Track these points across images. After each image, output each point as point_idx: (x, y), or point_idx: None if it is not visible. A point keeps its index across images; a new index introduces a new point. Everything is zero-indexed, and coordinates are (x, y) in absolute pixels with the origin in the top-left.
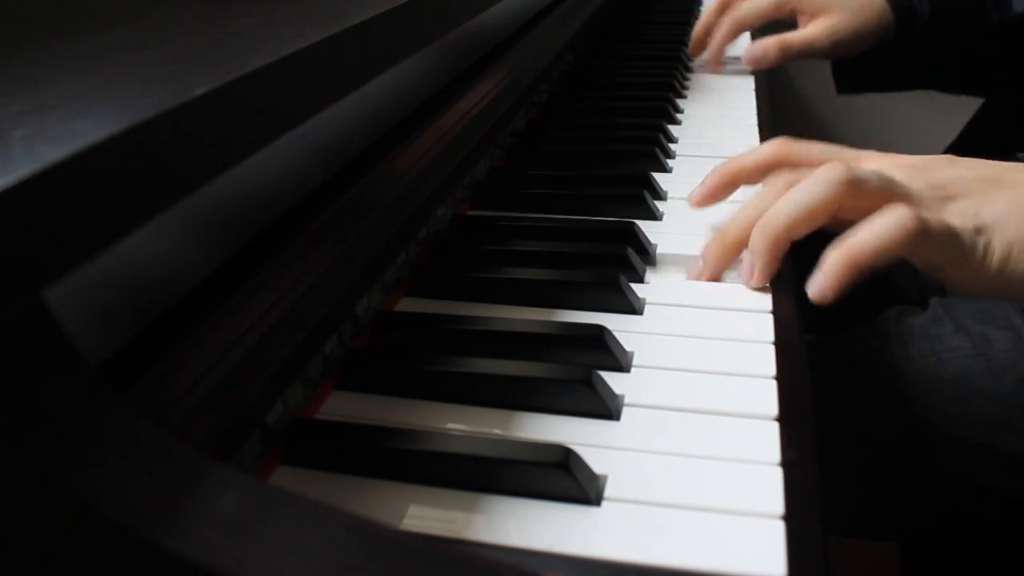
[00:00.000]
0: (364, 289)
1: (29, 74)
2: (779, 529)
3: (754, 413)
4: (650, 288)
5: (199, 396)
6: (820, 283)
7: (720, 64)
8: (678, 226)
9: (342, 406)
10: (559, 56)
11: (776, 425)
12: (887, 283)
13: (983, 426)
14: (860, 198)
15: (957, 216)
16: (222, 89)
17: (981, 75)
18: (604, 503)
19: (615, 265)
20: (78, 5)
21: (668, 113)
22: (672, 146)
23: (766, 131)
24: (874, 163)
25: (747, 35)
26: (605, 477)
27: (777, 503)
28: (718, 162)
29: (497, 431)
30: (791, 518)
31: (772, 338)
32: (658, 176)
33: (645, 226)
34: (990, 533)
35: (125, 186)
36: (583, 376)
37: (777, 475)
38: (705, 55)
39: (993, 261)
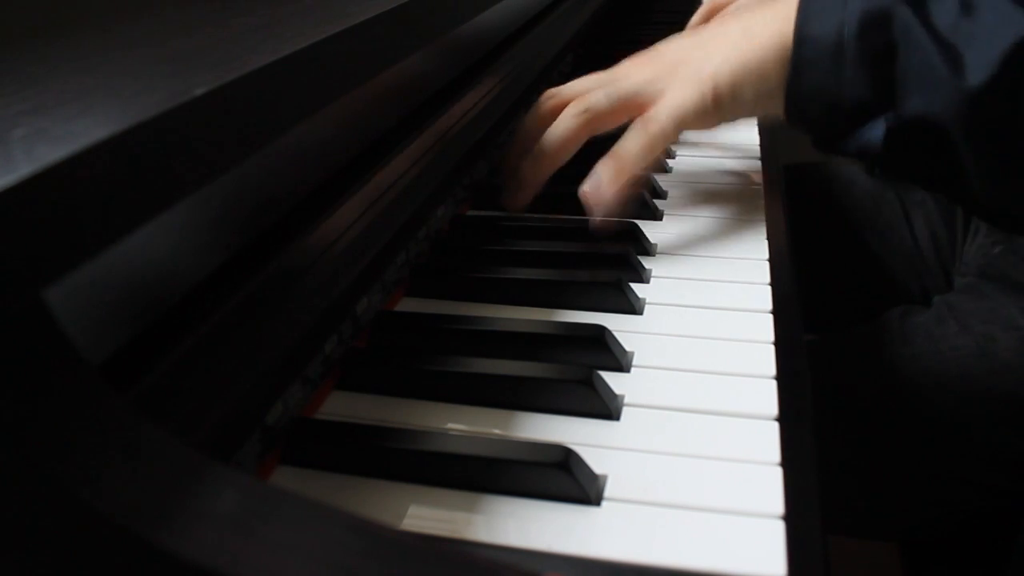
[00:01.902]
0: (364, 289)
1: (29, 74)
2: (779, 529)
3: (754, 413)
4: (650, 288)
5: (199, 396)
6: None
7: None
8: (678, 225)
9: (342, 406)
10: (559, 56)
11: (776, 425)
12: (890, 282)
13: (986, 426)
14: (603, 119)
15: (682, 84)
16: (222, 89)
17: None
18: (604, 503)
19: (615, 265)
20: (78, 5)
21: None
22: (672, 146)
23: (764, 128)
24: (623, 67)
25: None
26: (605, 477)
27: (777, 503)
28: (718, 161)
29: (497, 431)
30: (791, 518)
31: (772, 338)
32: (658, 176)
33: (645, 226)
34: (991, 533)
35: (125, 186)
36: (583, 376)
37: (777, 475)
38: None
39: (724, 101)
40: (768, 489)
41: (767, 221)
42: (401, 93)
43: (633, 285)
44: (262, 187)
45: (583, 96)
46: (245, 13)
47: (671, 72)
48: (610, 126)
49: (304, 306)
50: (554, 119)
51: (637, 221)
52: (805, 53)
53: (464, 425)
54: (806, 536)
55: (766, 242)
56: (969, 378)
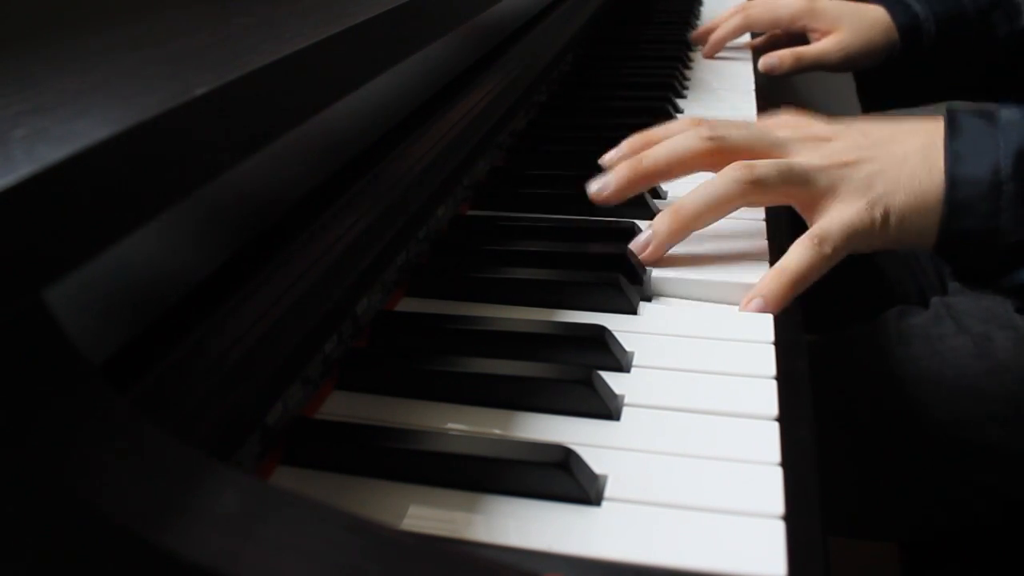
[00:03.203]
0: (364, 289)
1: (29, 74)
2: (779, 529)
3: (754, 413)
4: (650, 288)
5: (199, 396)
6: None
7: (716, 52)
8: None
9: (342, 406)
10: (559, 56)
11: (776, 425)
12: (887, 283)
13: (985, 426)
14: (766, 197)
15: (852, 192)
16: (222, 89)
17: (998, 85)
18: (604, 503)
19: (615, 265)
20: (78, 5)
21: (668, 113)
22: None
23: None
24: (787, 135)
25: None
26: (605, 477)
27: (777, 503)
28: None
29: (497, 431)
30: (791, 518)
31: (772, 338)
32: None
33: (645, 225)
34: (990, 533)
35: (125, 186)
36: (583, 376)
37: (777, 475)
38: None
39: (891, 227)
40: (768, 489)
41: (767, 221)
42: (401, 93)
43: (633, 285)
44: (262, 187)
45: (753, 165)
46: (245, 13)
47: (842, 172)
48: (766, 205)
49: (304, 306)
50: (709, 163)
51: (637, 221)
52: (960, 195)
53: (464, 425)
54: (806, 536)
55: (766, 242)
56: (967, 378)
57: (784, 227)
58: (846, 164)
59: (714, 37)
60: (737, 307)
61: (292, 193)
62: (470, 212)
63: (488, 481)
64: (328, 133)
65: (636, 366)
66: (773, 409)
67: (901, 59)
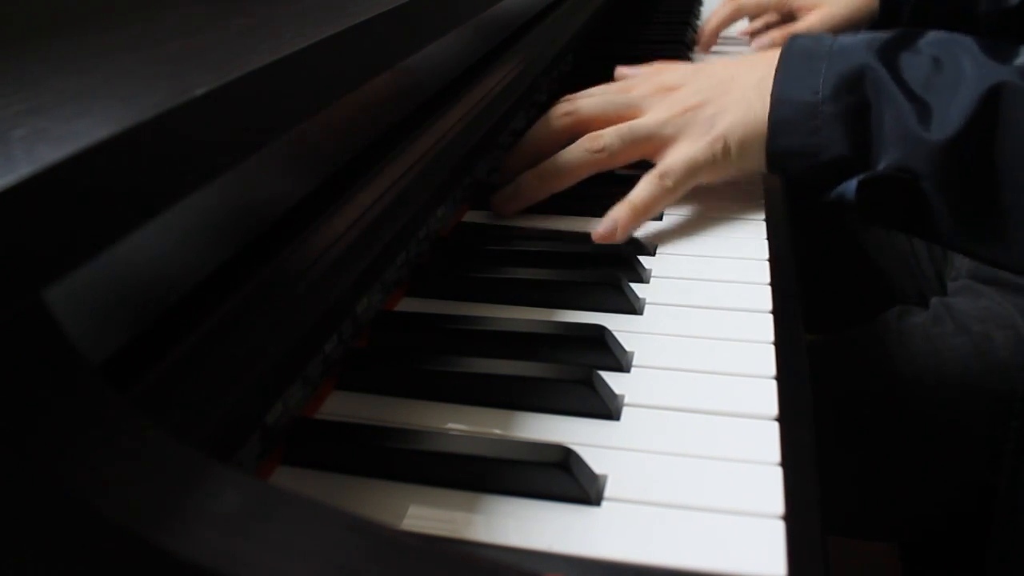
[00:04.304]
0: (364, 289)
1: (29, 74)
2: (779, 529)
3: (754, 413)
4: (650, 288)
5: (199, 396)
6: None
7: (711, 44)
8: (678, 225)
9: (342, 406)
10: (559, 56)
11: (776, 425)
12: (887, 283)
13: (984, 425)
14: (616, 160)
15: (695, 135)
16: (222, 89)
17: None
18: (604, 503)
19: (615, 265)
20: (78, 5)
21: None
22: None
23: None
24: (639, 92)
25: (743, 22)
26: (605, 477)
27: (777, 503)
28: None
29: (497, 431)
30: (791, 518)
31: (772, 338)
32: None
33: (645, 226)
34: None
35: (125, 186)
36: (583, 376)
37: (777, 475)
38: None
39: (731, 157)
40: (768, 489)
41: (767, 221)
42: (401, 93)
43: (633, 285)
44: (262, 187)
45: (599, 135)
46: (245, 14)
47: (686, 117)
48: (620, 165)
49: (304, 306)
50: (566, 137)
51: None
52: (780, 115)
53: (464, 425)
54: (806, 536)
55: (766, 242)
56: (966, 377)
57: (784, 228)
58: (689, 109)
59: (706, 28)
60: (737, 307)
61: (292, 193)
62: (470, 212)
63: (488, 481)
64: (328, 133)
65: (636, 366)
66: (773, 409)
67: (881, 29)
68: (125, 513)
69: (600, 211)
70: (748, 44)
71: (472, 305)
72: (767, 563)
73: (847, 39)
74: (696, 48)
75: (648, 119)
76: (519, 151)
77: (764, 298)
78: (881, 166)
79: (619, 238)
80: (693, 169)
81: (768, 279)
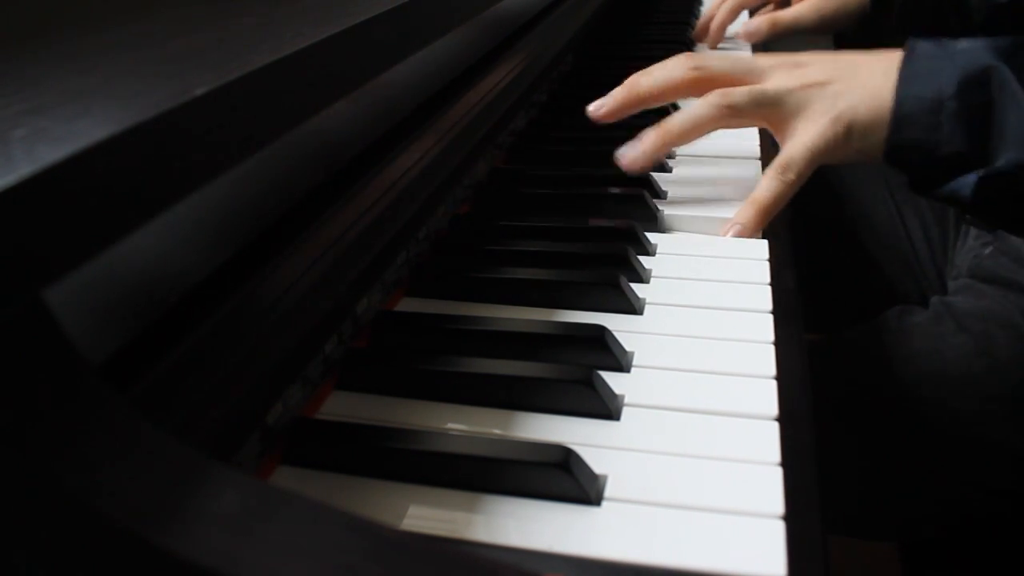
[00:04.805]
0: (364, 289)
1: (29, 74)
2: (779, 529)
3: (754, 413)
4: (650, 288)
5: (199, 396)
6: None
7: (718, 40)
8: (678, 226)
9: (342, 406)
10: (559, 56)
11: (776, 425)
12: (887, 283)
13: (985, 424)
14: (740, 120)
15: (818, 111)
16: (222, 89)
17: None
18: (604, 503)
19: (615, 265)
20: (78, 5)
21: (668, 112)
22: (673, 148)
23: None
24: (767, 63)
25: (744, 14)
26: (605, 477)
27: (777, 503)
28: (717, 161)
29: (497, 431)
30: (791, 518)
31: (772, 338)
32: (658, 176)
33: (645, 226)
34: (991, 531)
35: (125, 186)
36: (583, 376)
37: (777, 475)
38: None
39: (853, 140)
40: (768, 489)
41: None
42: (401, 93)
43: (633, 285)
44: (262, 187)
45: (730, 91)
46: (245, 13)
47: (811, 92)
48: (743, 126)
49: (304, 306)
50: (688, 90)
51: (637, 223)
52: (905, 110)
53: (464, 425)
54: (806, 536)
55: (766, 242)
56: (967, 377)
57: (784, 228)
58: (815, 84)
59: (713, 26)
60: (737, 307)
61: (292, 193)
62: (470, 212)
63: (488, 481)
64: (328, 133)
65: (636, 366)
66: (773, 409)
67: (873, 19)
68: (125, 513)
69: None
70: (746, 45)
71: (472, 305)
72: (767, 563)
73: (969, 42)
74: (704, 43)
75: (776, 84)
76: (634, 92)
77: (764, 298)
78: (999, 164)
79: (750, 235)
80: (815, 156)
81: (768, 279)
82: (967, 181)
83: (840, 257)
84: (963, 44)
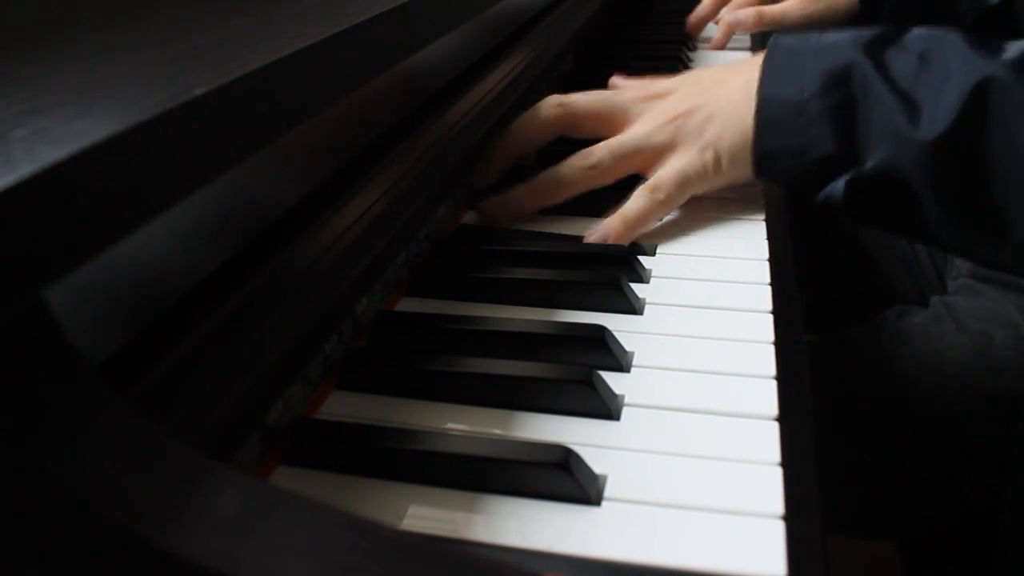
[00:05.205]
0: (364, 289)
1: (29, 74)
2: (779, 529)
3: (754, 413)
4: (650, 288)
5: (199, 396)
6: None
7: (698, 32)
8: (678, 226)
9: (342, 406)
10: (559, 56)
11: (776, 425)
12: (887, 283)
13: (985, 424)
14: (606, 176)
15: (685, 144)
16: (222, 89)
17: None
18: (604, 503)
19: (615, 265)
20: (78, 5)
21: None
22: None
23: None
24: (629, 97)
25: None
26: (605, 477)
27: (777, 503)
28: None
29: (497, 431)
30: (791, 518)
31: (772, 338)
32: None
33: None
34: (989, 532)
35: (125, 186)
36: (583, 376)
37: (777, 475)
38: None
39: (723, 166)
40: (768, 489)
41: (767, 221)
42: (401, 93)
43: (633, 285)
44: (262, 187)
45: (590, 152)
46: (245, 14)
47: (675, 126)
48: (613, 180)
49: (304, 306)
50: (553, 129)
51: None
52: (768, 114)
53: (464, 425)
54: (806, 536)
55: (766, 242)
56: (967, 376)
57: (784, 228)
58: (679, 116)
59: (692, 17)
60: (737, 307)
61: (292, 193)
62: (470, 212)
63: (488, 481)
64: (328, 132)
65: (636, 366)
66: (773, 409)
67: (862, 23)
68: (125, 513)
69: (597, 211)
70: (747, 42)
71: (472, 305)
72: (767, 563)
73: (832, 36)
74: (702, 50)
75: (636, 131)
76: (505, 142)
77: (764, 298)
78: (869, 165)
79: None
80: (684, 182)
81: (768, 279)
82: (838, 185)
83: (840, 257)
84: (827, 38)
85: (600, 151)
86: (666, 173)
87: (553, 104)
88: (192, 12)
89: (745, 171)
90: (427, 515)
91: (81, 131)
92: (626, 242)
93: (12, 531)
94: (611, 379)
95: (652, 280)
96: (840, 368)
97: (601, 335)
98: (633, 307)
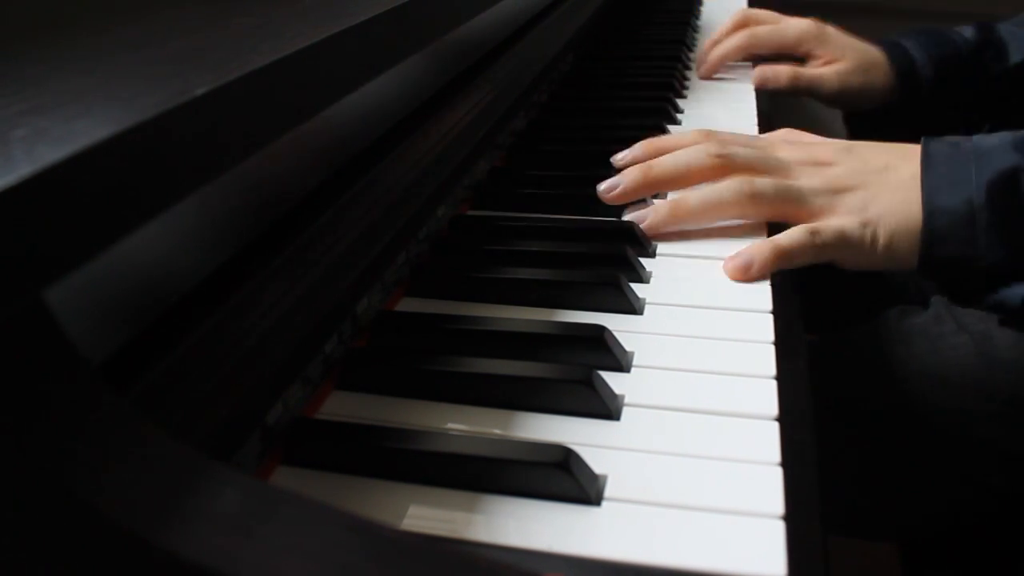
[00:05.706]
0: (364, 289)
1: (29, 74)
2: (779, 529)
3: (754, 413)
4: (650, 288)
5: (199, 396)
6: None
7: (715, 71)
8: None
9: (342, 406)
10: (559, 56)
11: (776, 425)
12: (887, 283)
13: (985, 424)
14: (761, 210)
15: (846, 212)
16: (222, 89)
17: (985, 122)
18: (604, 503)
19: (615, 265)
20: (78, 5)
21: (668, 113)
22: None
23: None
24: (790, 157)
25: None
26: (605, 477)
27: (777, 503)
28: None
29: (497, 431)
30: (791, 518)
31: (772, 338)
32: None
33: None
34: (990, 532)
35: (125, 186)
36: (583, 376)
37: (777, 475)
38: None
39: (879, 247)
40: (768, 489)
41: (767, 221)
42: (401, 93)
43: (633, 285)
44: (262, 187)
45: (754, 180)
46: (245, 14)
47: (839, 197)
48: (761, 219)
49: (304, 306)
50: (710, 178)
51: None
52: (937, 224)
53: (464, 425)
54: (806, 536)
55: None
56: (967, 377)
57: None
58: (843, 189)
59: (715, 55)
60: (737, 307)
61: (292, 193)
62: (470, 212)
63: (488, 481)
64: (328, 133)
65: (636, 366)
66: (773, 409)
67: (898, 105)
68: (125, 513)
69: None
70: (748, 68)
71: (472, 305)
72: (767, 563)
73: (985, 140)
74: (697, 72)
75: (803, 183)
76: (650, 177)
77: (764, 298)
78: None
79: (752, 277)
80: (843, 240)
81: (768, 279)
82: (1015, 292)
83: None
84: (983, 143)
85: (765, 183)
86: (828, 225)
87: (712, 153)
88: (192, 12)
89: (900, 264)
90: (427, 515)
91: (81, 131)
92: (767, 274)
93: (12, 531)
94: (611, 379)
95: (652, 280)
96: (840, 368)
97: (601, 335)
98: (633, 307)
